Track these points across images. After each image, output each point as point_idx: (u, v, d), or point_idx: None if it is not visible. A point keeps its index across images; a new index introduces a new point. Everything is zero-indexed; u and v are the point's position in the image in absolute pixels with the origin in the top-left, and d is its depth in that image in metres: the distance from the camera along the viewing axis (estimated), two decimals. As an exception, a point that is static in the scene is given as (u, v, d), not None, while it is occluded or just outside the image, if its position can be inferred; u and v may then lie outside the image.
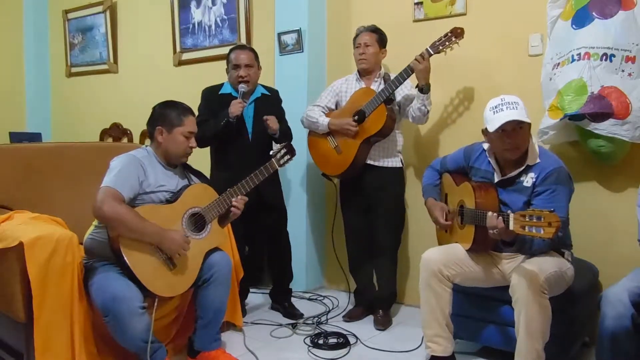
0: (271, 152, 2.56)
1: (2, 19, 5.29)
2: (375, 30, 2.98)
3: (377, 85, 2.96)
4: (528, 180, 2.20)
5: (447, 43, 2.72)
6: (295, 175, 3.50)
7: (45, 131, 5.16)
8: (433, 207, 2.49)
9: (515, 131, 2.15)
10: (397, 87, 2.81)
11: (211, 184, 2.89)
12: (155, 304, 2.14)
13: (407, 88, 2.91)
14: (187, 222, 2.27)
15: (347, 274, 3.33)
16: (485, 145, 2.36)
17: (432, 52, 2.73)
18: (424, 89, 2.76)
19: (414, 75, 2.77)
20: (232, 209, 2.38)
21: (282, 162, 2.56)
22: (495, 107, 2.18)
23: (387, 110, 2.81)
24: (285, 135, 2.98)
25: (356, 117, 2.86)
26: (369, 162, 2.94)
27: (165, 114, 2.31)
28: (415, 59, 2.73)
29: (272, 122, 2.88)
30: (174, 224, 2.22)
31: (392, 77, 2.84)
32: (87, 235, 2.22)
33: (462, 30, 2.71)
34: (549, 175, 2.15)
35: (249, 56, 2.93)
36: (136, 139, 4.61)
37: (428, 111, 2.84)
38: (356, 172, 2.95)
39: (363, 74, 3.02)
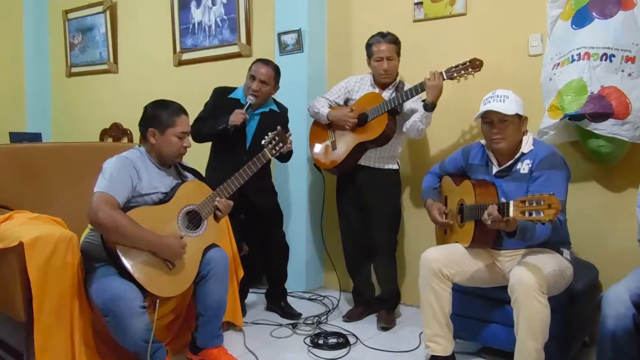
0: (263, 142, 2.53)
1: (2, 19, 5.29)
2: (394, 42, 2.89)
3: (389, 94, 2.92)
4: (524, 167, 2.24)
5: (462, 72, 2.65)
6: (296, 175, 3.50)
7: (45, 131, 5.16)
8: (431, 207, 2.51)
9: (501, 123, 2.22)
10: (404, 101, 2.77)
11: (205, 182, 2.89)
12: (157, 304, 2.14)
13: (414, 100, 2.83)
14: (182, 221, 2.26)
15: (340, 272, 3.33)
16: (483, 141, 2.41)
17: (445, 78, 2.67)
18: (428, 105, 2.70)
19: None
20: (217, 212, 2.37)
21: (274, 151, 2.54)
22: (486, 99, 2.27)
23: (389, 120, 2.79)
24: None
25: (357, 116, 2.86)
26: (363, 163, 2.94)
27: (157, 114, 2.27)
28: (430, 75, 2.67)
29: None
30: (169, 223, 2.21)
31: (405, 88, 2.81)
32: (82, 239, 2.21)
33: (481, 62, 2.64)
34: (543, 160, 2.18)
35: (269, 73, 2.87)
36: (136, 139, 4.60)
37: (422, 129, 2.79)
38: (346, 171, 2.96)
39: (381, 84, 2.95)
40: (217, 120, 2.84)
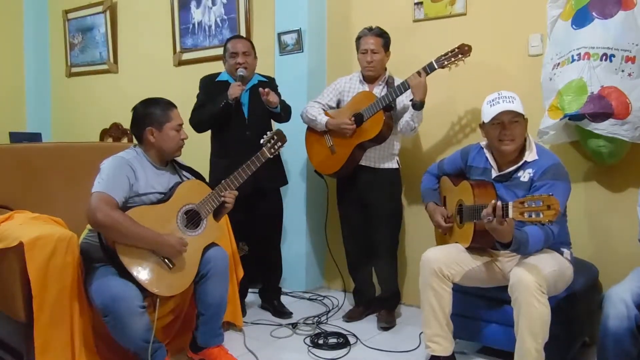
0: (262, 141, 2.53)
1: (2, 19, 5.28)
2: (380, 35, 2.90)
3: (380, 90, 2.93)
4: (525, 175, 2.23)
5: (452, 59, 2.66)
6: (296, 174, 3.50)
7: (45, 131, 5.16)
8: (434, 211, 2.51)
9: (512, 124, 2.20)
10: (397, 96, 2.78)
11: (211, 172, 2.90)
12: (157, 304, 2.14)
13: (407, 95, 2.83)
14: (181, 220, 2.26)
15: (343, 273, 3.33)
16: (483, 143, 2.40)
17: (436, 67, 2.68)
18: (416, 105, 2.71)
19: None
20: (226, 204, 2.38)
21: (272, 150, 2.53)
22: (492, 100, 2.24)
23: (385, 117, 2.79)
24: (285, 110, 2.99)
25: (354, 119, 2.85)
26: (364, 163, 2.93)
27: (150, 113, 2.27)
28: (413, 75, 2.69)
29: (271, 95, 2.85)
30: (168, 223, 2.21)
31: (396, 82, 2.82)
32: (81, 239, 2.21)
33: (469, 47, 2.66)
34: (546, 171, 2.17)
35: (246, 44, 2.97)
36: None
37: (415, 127, 2.79)
38: (348, 173, 2.96)
39: (368, 79, 2.99)
40: (215, 103, 2.86)
